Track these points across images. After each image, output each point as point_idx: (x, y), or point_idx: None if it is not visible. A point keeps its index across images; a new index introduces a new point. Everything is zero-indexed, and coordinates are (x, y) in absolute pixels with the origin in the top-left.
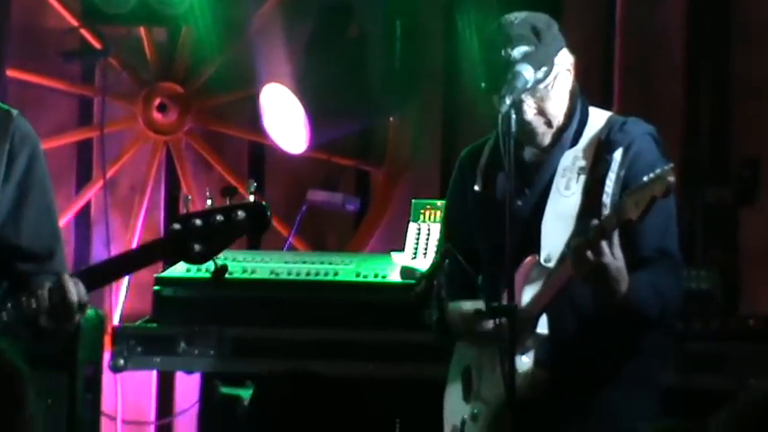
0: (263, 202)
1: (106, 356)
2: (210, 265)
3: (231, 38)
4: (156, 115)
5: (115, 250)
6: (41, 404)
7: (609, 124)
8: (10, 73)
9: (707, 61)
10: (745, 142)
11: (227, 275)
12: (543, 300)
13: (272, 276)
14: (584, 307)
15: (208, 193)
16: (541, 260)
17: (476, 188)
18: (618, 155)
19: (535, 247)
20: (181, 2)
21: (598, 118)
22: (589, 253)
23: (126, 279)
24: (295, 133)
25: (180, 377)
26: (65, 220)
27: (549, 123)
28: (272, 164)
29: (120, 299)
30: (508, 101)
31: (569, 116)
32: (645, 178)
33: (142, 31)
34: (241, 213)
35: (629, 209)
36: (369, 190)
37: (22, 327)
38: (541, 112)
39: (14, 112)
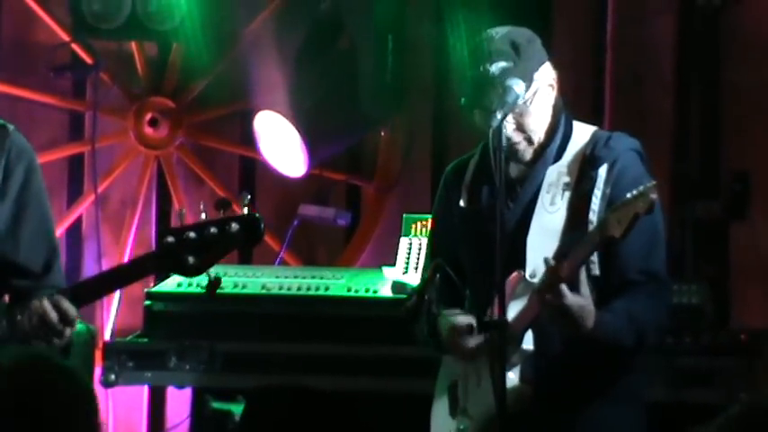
0: (257, 215)
1: (97, 371)
2: (204, 278)
3: (222, 52)
4: (148, 130)
5: (106, 265)
6: None
7: (594, 139)
8: (0, 88)
9: (697, 75)
10: (735, 156)
11: (218, 290)
12: (528, 315)
13: (264, 291)
14: None
15: (202, 206)
16: (527, 276)
17: (461, 204)
18: (603, 171)
19: (520, 263)
20: (171, 17)
21: (582, 133)
22: (548, 297)
23: (117, 294)
24: (292, 158)
25: (171, 392)
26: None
27: (529, 139)
28: (263, 178)
29: (112, 314)
30: (499, 115)
31: (552, 131)
32: (628, 195)
33: (133, 45)
34: (235, 225)
35: (611, 226)
36: (360, 204)
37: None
38: (521, 127)
39: (10, 127)
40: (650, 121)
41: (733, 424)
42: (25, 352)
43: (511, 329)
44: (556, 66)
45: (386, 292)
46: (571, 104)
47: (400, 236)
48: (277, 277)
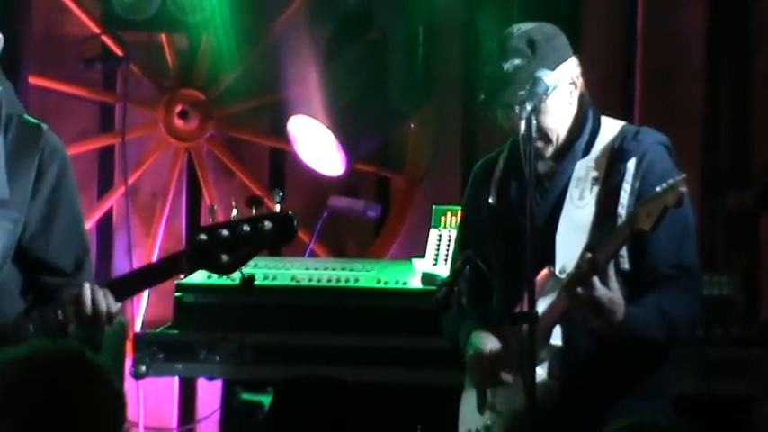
0: (290, 213)
1: (128, 363)
2: (237, 274)
3: (252, 45)
4: (178, 122)
5: (137, 256)
6: None
7: (622, 134)
8: (31, 80)
9: (728, 66)
10: (765, 147)
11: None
12: (557, 311)
13: (293, 283)
14: None
15: (233, 203)
16: (556, 271)
17: (490, 201)
18: (631, 165)
19: (549, 259)
20: (202, 9)
21: (610, 127)
22: (580, 289)
23: None
24: (329, 157)
25: (201, 383)
26: (86, 226)
27: (546, 138)
28: (292, 170)
29: (142, 305)
30: (529, 106)
31: (580, 126)
32: (657, 188)
33: (163, 37)
34: (268, 224)
35: (641, 219)
36: (389, 196)
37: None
38: (536, 126)
39: (44, 126)
40: (680, 112)
41: None
42: (56, 345)
43: (540, 325)
44: (585, 58)
45: (416, 283)
46: (601, 96)
47: (430, 227)
48: (307, 269)
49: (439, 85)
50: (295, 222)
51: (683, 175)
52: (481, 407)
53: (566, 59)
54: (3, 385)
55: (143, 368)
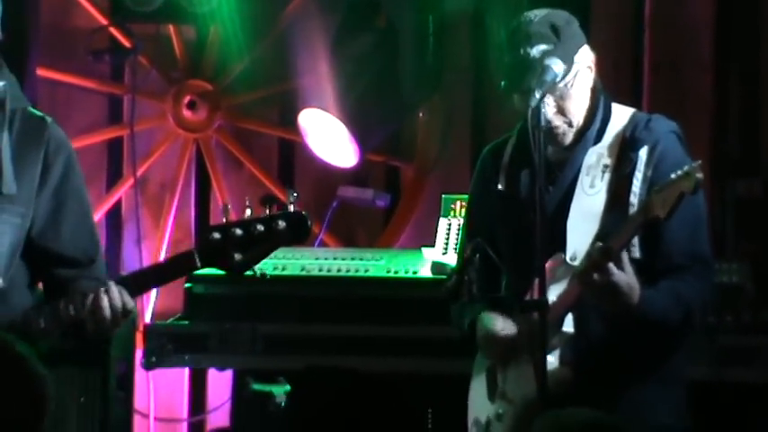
0: (304, 212)
1: (138, 354)
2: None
3: (260, 35)
4: (186, 113)
5: (146, 248)
6: (74, 402)
7: (633, 121)
8: (40, 72)
9: (736, 54)
10: None
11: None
12: (569, 298)
13: (303, 273)
14: None
15: (247, 202)
16: (567, 259)
17: (499, 187)
18: (644, 153)
19: (560, 246)
20: (208, 0)
21: (621, 115)
22: (596, 275)
23: None
24: (341, 149)
25: (212, 374)
26: (95, 218)
27: (569, 123)
28: (301, 160)
29: (152, 297)
30: (538, 95)
31: (592, 114)
32: (672, 175)
33: (171, 28)
34: (282, 223)
35: (656, 206)
36: (399, 185)
37: (58, 330)
38: (561, 110)
39: (48, 119)
40: (689, 101)
41: None
42: None
43: (551, 312)
44: (594, 47)
45: (426, 272)
46: (610, 85)
47: (439, 216)
48: (317, 259)
49: (448, 75)
50: (309, 222)
51: (699, 162)
52: (492, 394)
53: (583, 44)
54: None
55: (153, 359)
